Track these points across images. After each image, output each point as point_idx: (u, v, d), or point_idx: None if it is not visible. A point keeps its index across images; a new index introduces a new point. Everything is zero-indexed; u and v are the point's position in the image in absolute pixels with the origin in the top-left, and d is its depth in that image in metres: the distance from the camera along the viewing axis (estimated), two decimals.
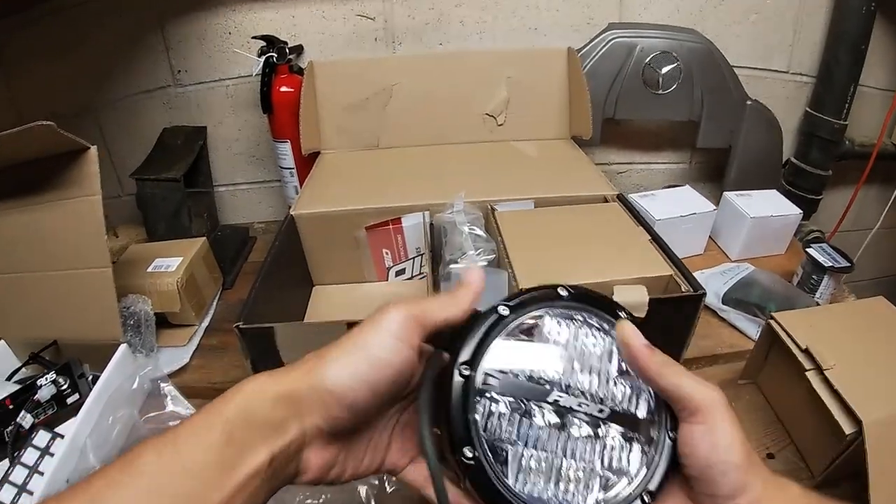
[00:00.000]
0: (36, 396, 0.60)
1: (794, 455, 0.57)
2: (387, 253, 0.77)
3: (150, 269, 0.75)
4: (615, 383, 0.33)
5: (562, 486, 0.31)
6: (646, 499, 0.31)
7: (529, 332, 0.33)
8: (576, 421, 0.32)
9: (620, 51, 0.90)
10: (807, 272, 0.76)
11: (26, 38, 0.91)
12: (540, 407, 0.32)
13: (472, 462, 0.29)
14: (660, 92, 0.91)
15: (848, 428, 0.48)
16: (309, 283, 0.80)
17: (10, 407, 0.60)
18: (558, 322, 0.33)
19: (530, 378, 0.32)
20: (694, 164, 1.08)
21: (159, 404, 0.65)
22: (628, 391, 0.33)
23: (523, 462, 0.31)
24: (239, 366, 0.72)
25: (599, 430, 0.32)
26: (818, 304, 0.74)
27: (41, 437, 0.56)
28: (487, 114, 0.89)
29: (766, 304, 0.71)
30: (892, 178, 1.08)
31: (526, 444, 0.31)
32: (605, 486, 0.32)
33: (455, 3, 0.90)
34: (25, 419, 0.58)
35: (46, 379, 0.61)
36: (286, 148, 0.89)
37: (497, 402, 0.31)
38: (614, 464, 0.32)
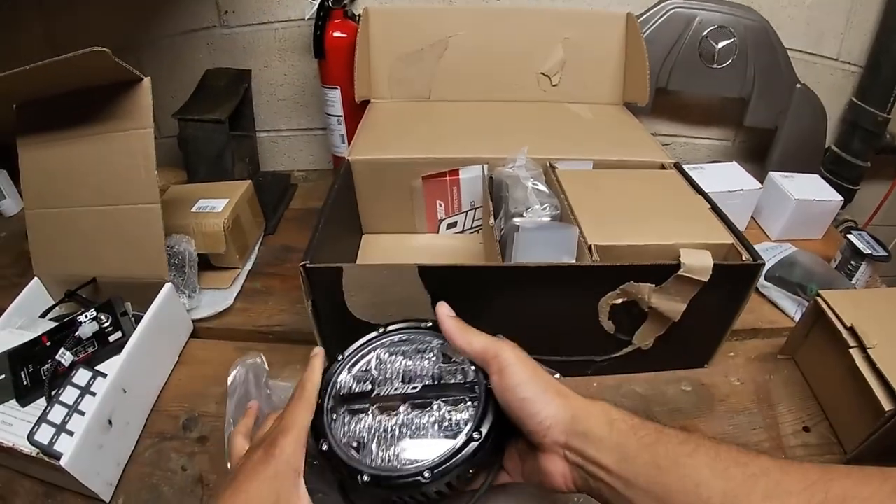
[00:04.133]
0: (77, 333, 0.56)
1: (828, 430, 0.58)
2: (440, 204, 0.76)
3: (194, 210, 0.74)
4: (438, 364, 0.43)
5: (402, 454, 0.38)
6: (475, 436, 0.37)
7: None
8: (401, 407, 0.40)
9: (679, 21, 0.88)
10: (845, 258, 0.77)
11: None
12: (367, 406, 0.41)
13: (326, 449, 0.39)
14: (714, 66, 0.90)
15: (888, 405, 0.49)
16: (358, 230, 0.80)
17: (48, 344, 0.57)
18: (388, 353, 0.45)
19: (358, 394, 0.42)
20: (738, 142, 1.08)
21: None
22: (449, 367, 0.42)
23: (372, 447, 0.39)
24: (284, 310, 0.71)
25: (426, 405, 0.40)
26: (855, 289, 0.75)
27: (81, 376, 0.52)
28: (543, 73, 0.88)
29: (807, 283, 0.72)
30: None
31: (369, 433, 0.39)
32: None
33: None
34: (65, 357, 0.55)
35: (87, 316, 0.58)
36: (336, 94, 0.88)
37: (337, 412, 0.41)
38: (445, 424, 0.39)
